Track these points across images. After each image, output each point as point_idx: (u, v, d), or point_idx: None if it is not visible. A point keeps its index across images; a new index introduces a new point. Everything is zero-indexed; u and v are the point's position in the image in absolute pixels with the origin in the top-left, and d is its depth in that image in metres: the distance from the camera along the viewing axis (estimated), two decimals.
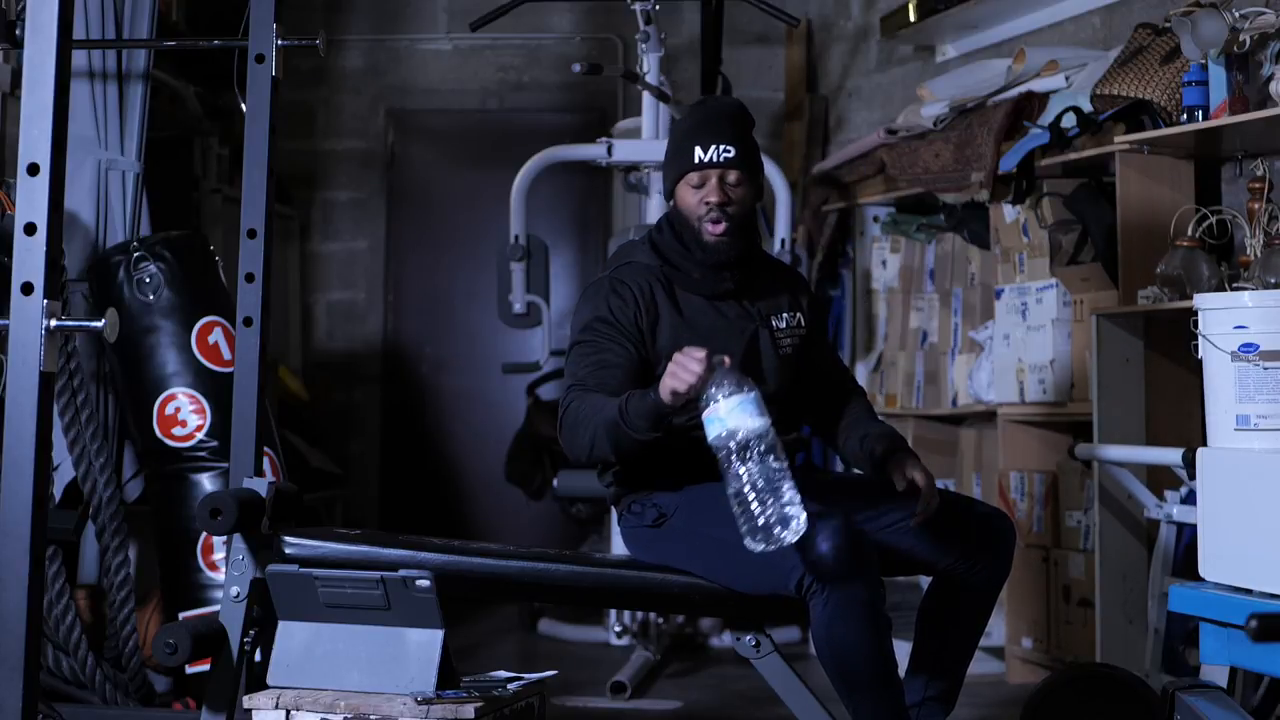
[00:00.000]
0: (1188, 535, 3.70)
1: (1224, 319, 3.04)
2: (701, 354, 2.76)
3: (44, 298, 2.17)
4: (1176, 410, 4.18)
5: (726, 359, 2.78)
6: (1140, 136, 4.12)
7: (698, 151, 3.10)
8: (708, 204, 3.09)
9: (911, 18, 5.65)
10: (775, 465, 2.71)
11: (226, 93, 4.12)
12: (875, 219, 5.80)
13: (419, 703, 2.77)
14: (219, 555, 3.82)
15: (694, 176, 3.11)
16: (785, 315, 3.22)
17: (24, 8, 3.15)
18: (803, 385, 3.28)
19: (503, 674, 3.03)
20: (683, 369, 2.76)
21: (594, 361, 3.03)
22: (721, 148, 3.09)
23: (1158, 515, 3.80)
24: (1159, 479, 3.93)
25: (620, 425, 2.87)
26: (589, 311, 3.11)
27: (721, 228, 3.09)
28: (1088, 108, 4.38)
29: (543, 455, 6.32)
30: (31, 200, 2.17)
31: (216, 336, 4.03)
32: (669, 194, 3.19)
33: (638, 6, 5.16)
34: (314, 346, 7.20)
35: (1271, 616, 2.72)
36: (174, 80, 5.48)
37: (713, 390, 2.73)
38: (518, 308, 5.59)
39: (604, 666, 4.79)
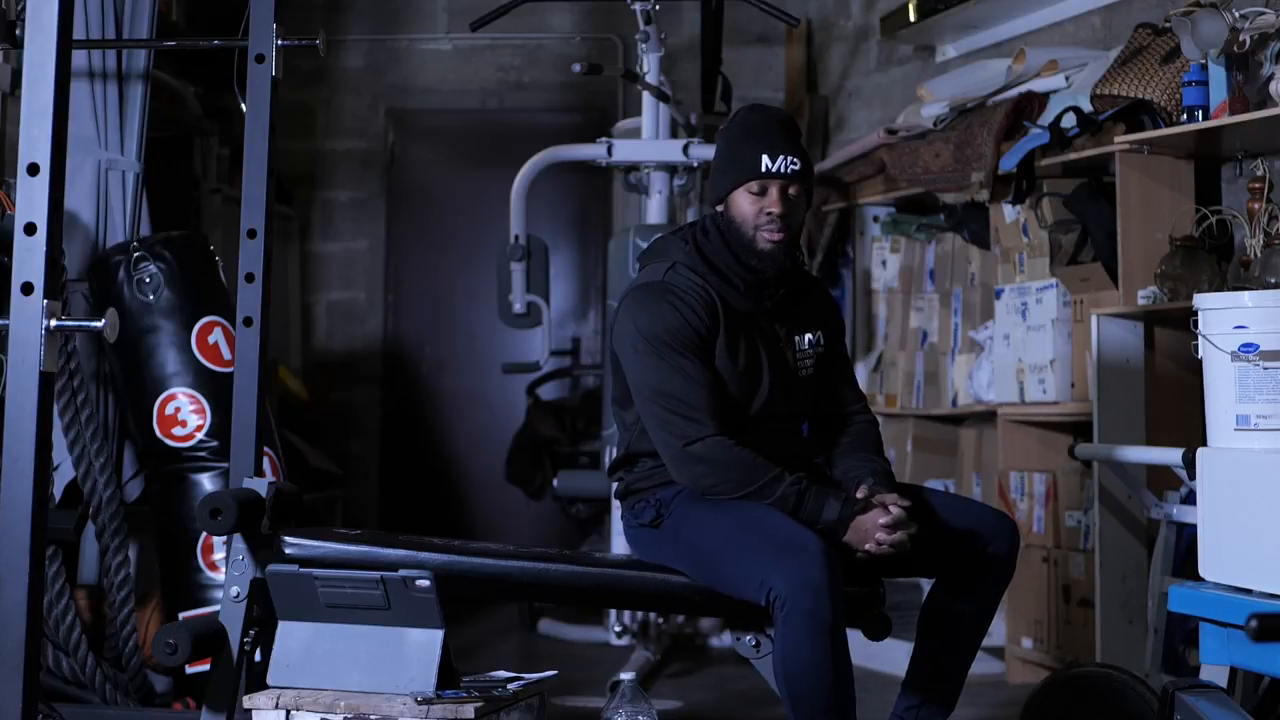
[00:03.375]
0: (1188, 535, 3.70)
1: (1224, 319, 3.03)
2: (901, 537, 2.93)
3: (44, 298, 2.17)
4: (1176, 410, 4.17)
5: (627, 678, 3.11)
6: (1140, 136, 4.12)
7: (765, 160, 3.04)
8: (769, 214, 3.05)
9: (911, 18, 5.65)
10: None
11: (226, 93, 4.11)
12: (875, 219, 5.79)
13: (419, 703, 2.77)
14: (219, 555, 3.82)
15: (756, 185, 3.06)
16: (809, 336, 3.20)
17: (24, 8, 3.15)
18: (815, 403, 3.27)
19: (503, 674, 3.03)
20: (885, 534, 2.93)
21: (686, 381, 2.99)
22: (789, 159, 3.05)
23: (1158, 515, 3.79)
24: (1159, 479, 3.93)
25: (797, 508, 2.96)
26: (658, 320, 3.03)
27: (779, 236, 3.06)
28: (1088, 108, 4.38)
29: (543, 455, 6.32)
30: (31, 200, 2.17)
31: (216, 336, 4.03)
32: (719, 199, 3.12)
33: (638, 6, 5.16)
34: (314, 346, 7.20)
35: (1271, 616, 2.72)
36: (174, 80, 5.48)
37: (609, 716, 2.95)
38: (518, 308, 5.59)
39: (604, 666, 4.78)
